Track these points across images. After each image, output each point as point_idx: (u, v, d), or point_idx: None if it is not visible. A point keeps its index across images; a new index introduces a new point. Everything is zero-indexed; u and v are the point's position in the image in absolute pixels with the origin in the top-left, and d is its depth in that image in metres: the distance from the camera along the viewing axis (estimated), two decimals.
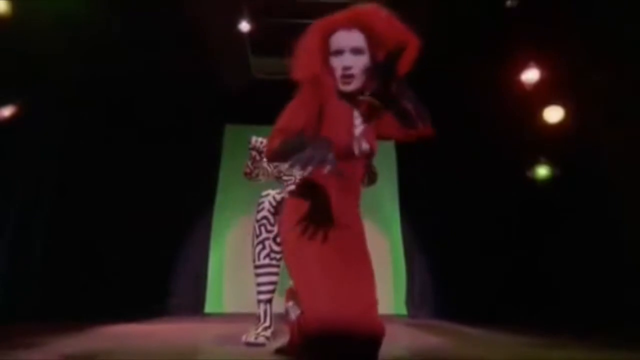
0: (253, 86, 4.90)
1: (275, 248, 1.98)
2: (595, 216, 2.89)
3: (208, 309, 4.54)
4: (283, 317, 1.67)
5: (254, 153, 2.25)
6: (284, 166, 2.32)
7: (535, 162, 3.43)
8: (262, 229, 2.03)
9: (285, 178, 2.31)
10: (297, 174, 2.21)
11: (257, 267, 2.02)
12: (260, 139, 2.22)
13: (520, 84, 3.39)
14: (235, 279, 4.56)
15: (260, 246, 2.01)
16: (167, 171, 4.17)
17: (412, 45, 1.30)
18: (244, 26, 4.02)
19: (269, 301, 2.01)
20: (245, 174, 2.35)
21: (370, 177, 1.99)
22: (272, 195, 2.12)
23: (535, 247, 3.42)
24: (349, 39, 1.33)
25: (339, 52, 1.33)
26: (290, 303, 1.74)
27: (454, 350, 1.80)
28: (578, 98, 3.05)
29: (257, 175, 2.32)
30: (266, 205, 2.07)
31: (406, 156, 4.67)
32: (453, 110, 3.76)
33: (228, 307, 4.64)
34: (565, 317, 2.95)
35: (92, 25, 3.01)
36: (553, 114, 3.29)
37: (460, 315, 3.56)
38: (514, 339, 2.19)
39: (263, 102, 4.70)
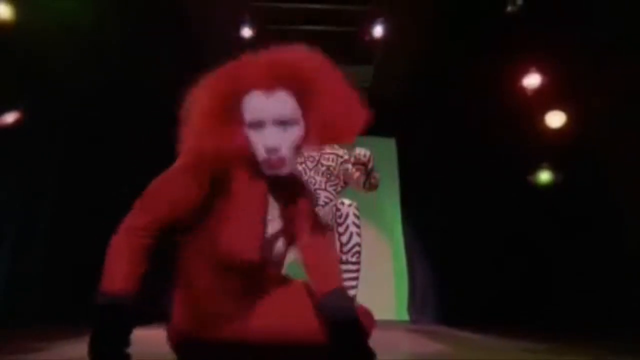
0: None
1: None
2: (597, 220, 2.88)
3: None
4: None
5: None
6: None
7: (537, 167, 3.43)
8: None
9: None
10: None
11: None
12: None
13: (521, 89, 3.40)
14: None
15: None
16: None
17: (360, 120, 0.95)
18: (246, 32, 4.05)
19: None
20: None
21: (371, 183, 1.99)
22: None
23: (537, 252, 3.41)
24: (270, 106, 0.92)
25: (258, 125, 0.93)
26: None
27: (456, 356, 1.79)
28: (580, 103, 3.06)
29: None
30: None
31: (408, 162, 4.67)
32: (454, 115, 3.77)
33: None
34: (567, 323, 2.93)
35: (94, 30, 3.03)
36: (555, 119, 3.29)
37: (462, 321, 3.54)
38: (516, 344, 2.18)
39: None
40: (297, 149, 0.99)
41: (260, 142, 0.94)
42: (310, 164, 2.31)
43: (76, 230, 3.29)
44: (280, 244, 1.06)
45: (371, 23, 4.00)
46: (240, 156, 0.97)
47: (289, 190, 1.07)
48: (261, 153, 0.95)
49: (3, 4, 2.62)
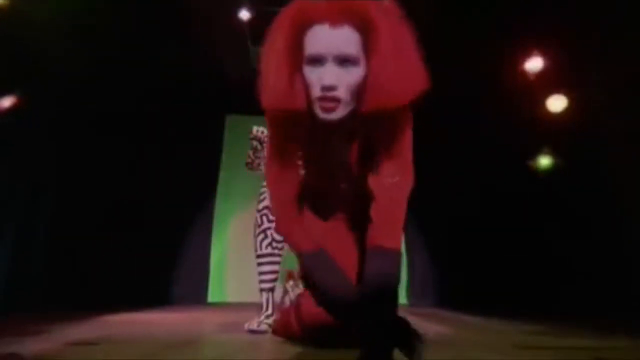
0: (253, 76, 4.86)
1: (277, 237, 1.99)
2: (598, 206, 2.89)
3: (211, 298, 4.58)
4: (281, 296, 1.69)
5: (255, 143, 2.25)
6: None
7: (537, 152, 3.42)
8: (264, 218, 2.03)
9: None
10: None
11: (259, 256, 2.03)
12: (261, 129, 2.21)
13: (523, 73, 3.36)
14: (238, 268, 4.60)
15: (262, 235, 2.02)
16: (168, 162, 4.17)
17: (419, 83, 0.90)
18: (244, 14, 3.98)
19: (271, 290, 2.03)
20: (247, 164, 2.35)
21: None
22: None
23: (536, 236, 3.43)
24: (334, 39, 0.87)
25: (317, 60, 0.89)
26: (290, 282, 1.76)
27: (455, 336, 1.82)
28: (582, 87, 3.03)
29: (259, 165, 2.31)
30: (268, 195, 2.07)
31: None
32: (455, 100, 3.74)
33: (230, 297, 4.69)
34: (565, 306, 2.97)
35: (90, 17, 2.98)
36: (557, 103, 3.27)
37: (460, 304, 3.59)
38: (515, 326, 2.21)
39: None
40: (355, 95, 0.90)
41: (318, 79, 0.88)
42: None
43: (78, 216, 3.30)
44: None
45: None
46: (302, 115, 0.92)
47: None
48: (316, 91, 0.88)
49: None
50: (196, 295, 4.41)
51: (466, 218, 3.93)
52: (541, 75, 3.32)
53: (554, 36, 3.11)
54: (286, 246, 2.01)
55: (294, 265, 1.93)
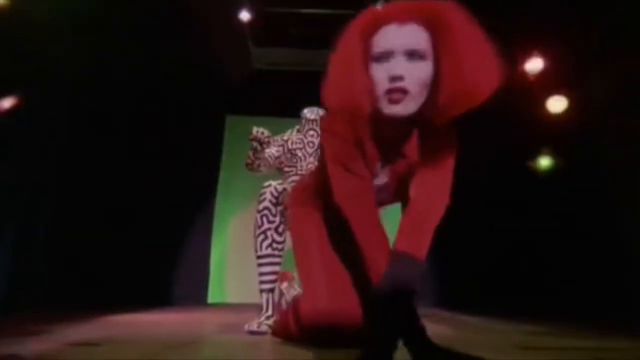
0: (254, 77, 4.87)
1: (277, 238, 1.99)
2: (597, 206, 2.89)
3: (211, 299, 4.58)
4: (277, 300, 1.70)
5: (255, 144, 2.25)
6: (286, 157, 2.32)
7: (537, 153, 3.42)
8: (264, 219, 2.03)
9: (286, 169, 2.31)
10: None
11: (259, 257, 2.03)
12: (261, 130, 2.22)
13: (523, 74, 3.36)
14: (238, 269, 4.60)
15: (262, 236, 2.02)
16: (168, 162, 4.17)
17: (494, 79, 0.89)
18: (244, 15, 3.99)
19: (271, 291, 2.03)
20: (247, 165, 2.35)
21: None
22: (273, 186, 2.13)
23: (536, 236, 3.43)
24: (401, 35, 0.89)
25: (385, 56, 0.90)
26: (285, 284, 1.76)
27: (455, 336, 1.82)
28: (582, 87, 3.03)
29: (259, 166, 2.31)
30: (267, 195, 2.07)
31: None
32: None
33: (231, 297, 4.69)
34: (565, 307, 2.97)
35: (90, 17, 2.98)
36: (557, 104, 3.27)
37: (459, 305, 3.59)
38: (515, 327, 2.21)
39: (264, 93, 4.74)
40: (423, 89, 0.91)
41: (385, 72, 0.89)
42: (309, 150, 2.30)
43: (78, 217, 3.30)
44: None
45: (372, 5, 3.93)
46: (365, 114, 0.92)
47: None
48: (384, 85, 0.89)
49: None
50: (196, 295, 4.41)
51: (466, 218, 3.93)
52: (541, 75, 3.32)
53: (554, 36, 3.11)
54: (287, 247, 2.01)
55: (292, 266, 1.93)
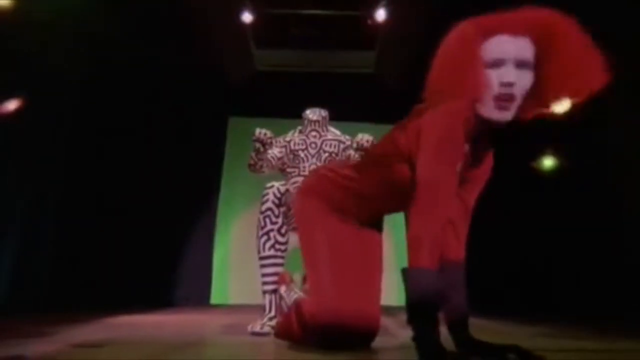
0: (256, 78, 4.88)
1: (280, 239, 1.99)
2: (603, 207, 2.87)
3: (214, 300, 4.58)
4: (277, 303, 1.70)
5: (257, 145, 2.25)
6: (288, 158, 2.32)
7: (541, 154, 3.41)
8: (267, 220, 2.03)
9: (289, 170, 2.31)
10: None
11: (262, 258, 2.03)
12: (263, 131, 2.22)
13: None
14: (240, 270, 4.60)
15: (265, 237, 2.02)
16: (171, 164, 4.19)
17: (598, 78, 0.98)
18: (246, 17, 4.00)
19: (274, 292, 2.03)
20: (249, 166, 2.35)
21: None
22: (276, 187, 2.13)
23: (536, 237, 3.41)
24: (514, 46, 0.99)
25: (497, 64, 0.99)
26: (283, 288, 1.76)
27: None
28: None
29: (261, 167, 2.31)
30: (270, 196, 2.07)
31: None
32: None
33: (233, 299, 4.69)
34: (566, 307, 2.95)
35: (93, 20, 2.99)
36: (560, 105, 3.26)
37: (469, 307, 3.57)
38: (522, 329, 2.19)
39: (266, 94, 4.74)
40: (521, 100, 1.00)
41: (497, 78, 0.98)
42: (312, 151, 2.30)
43: (82, 218, 3.32)
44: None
45: (374, 6, 3.94)
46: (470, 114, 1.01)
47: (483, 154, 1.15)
48: (495, 88, 0.98)
49: None
50: (199, 297, 4.42)
51: (473, 222, 3.92)
52: None
53: None
54: (289, 248, 2.01)
55: (295, 267, 1.93)
